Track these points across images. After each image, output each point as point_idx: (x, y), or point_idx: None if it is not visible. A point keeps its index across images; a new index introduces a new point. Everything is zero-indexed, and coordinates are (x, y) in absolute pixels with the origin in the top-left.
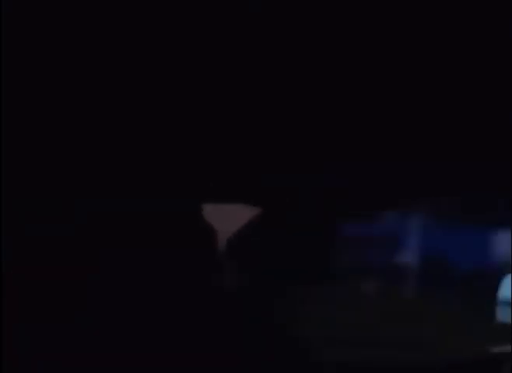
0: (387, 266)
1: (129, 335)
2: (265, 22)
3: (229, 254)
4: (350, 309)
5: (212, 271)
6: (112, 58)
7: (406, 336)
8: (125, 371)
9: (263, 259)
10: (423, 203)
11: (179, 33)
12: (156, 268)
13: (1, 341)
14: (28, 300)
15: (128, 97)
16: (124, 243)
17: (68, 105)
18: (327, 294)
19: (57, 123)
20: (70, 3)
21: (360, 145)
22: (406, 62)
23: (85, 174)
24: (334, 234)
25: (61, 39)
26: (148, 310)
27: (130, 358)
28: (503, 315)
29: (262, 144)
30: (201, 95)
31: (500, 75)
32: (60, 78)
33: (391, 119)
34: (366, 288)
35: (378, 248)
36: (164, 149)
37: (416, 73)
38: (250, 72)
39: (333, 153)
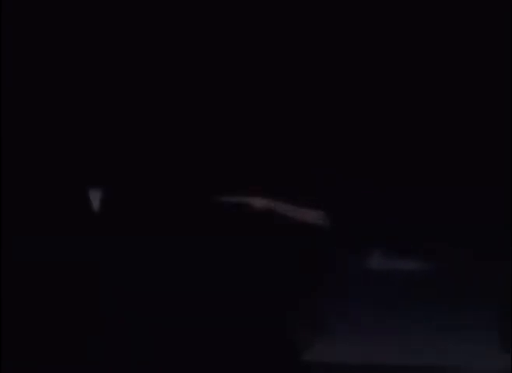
0: None
1: (130, 332)
2: (265, 23)
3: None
4: None
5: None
6: (110, 58)
7: None
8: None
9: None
10: None
11: (179, 33)
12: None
13: (0, 341)
14: (27, 299)
15: (129, 97)
16: (125, 243)
17: (68, 105)
18: None
19: (57, 124)
20: (70, 3)
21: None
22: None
23: (86, 173)
24: None
25: (62, 39)
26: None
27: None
28: None
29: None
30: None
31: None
32: (59, 80)
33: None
34: None
35: None
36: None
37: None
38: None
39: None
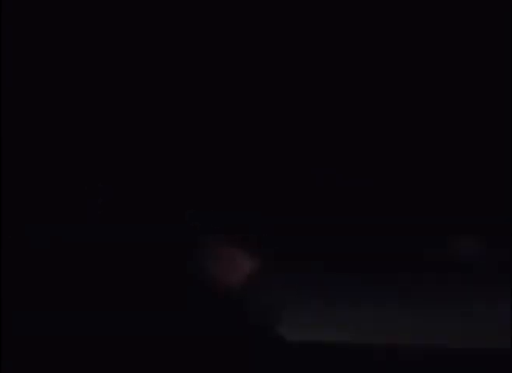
0: None
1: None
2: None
3: None
4: None
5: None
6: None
7: None
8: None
9: None
10: None
11: (179, 33)
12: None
13: (0, 341)
14: (27, 300)
15: (128, 96)
16: (126, 243)
17: (68, 108)
18: None
19: (57, 124)
20: (70, 3)
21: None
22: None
23: (86, 174)
24: None
25: (61, 39)
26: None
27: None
28: None
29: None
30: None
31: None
32: (60, 79)
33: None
34: None
35: None
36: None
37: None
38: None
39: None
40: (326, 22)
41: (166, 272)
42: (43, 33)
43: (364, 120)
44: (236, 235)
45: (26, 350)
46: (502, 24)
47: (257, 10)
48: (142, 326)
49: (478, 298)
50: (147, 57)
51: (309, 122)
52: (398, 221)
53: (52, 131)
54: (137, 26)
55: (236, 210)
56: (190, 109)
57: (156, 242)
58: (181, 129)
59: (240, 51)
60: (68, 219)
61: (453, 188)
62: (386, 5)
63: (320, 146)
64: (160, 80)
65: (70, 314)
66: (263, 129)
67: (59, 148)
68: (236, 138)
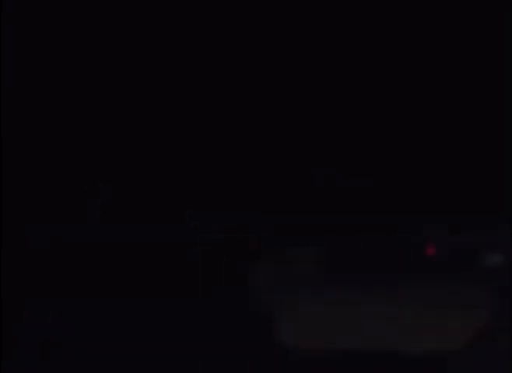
0: None
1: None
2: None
3: None
4: None
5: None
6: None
7: None
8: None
9: None
10: None
11: (180, 35)
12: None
13: (0, 340)
14: (26, 299)
15: (128, 96)
16: (124, 244)
17: (68, 109)
18: None
19: (57, 124)
20: (71, 4)
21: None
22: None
23: (86, 174)
24: None
25: (63, 40)
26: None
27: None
28: None
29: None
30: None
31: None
32: (61, 79)
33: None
34: None
35: None
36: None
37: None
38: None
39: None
40: (327, 23)
41: (165, 271)
42: (43, 34)
43: (363, 122)
44: (236, 235)
45: (26, 349)
46: (502, 24)
47: (258, 11)
48: (141, 326)
49: None
50: (147, 59)
51: (309, 123)
52: (397, 221)
53: (52, 132)
54: (137, 28)
55: (236, 210)
56: (190, 110)
57: (156, 242)
58: (181, 130)
59: (241, 53)
60: (68, 219)
61: (453, 188)
62: (386, 5)
63: (320, 147)
64: (160, 82)
65: (70, 314)
66: (263, 130)
67: (59, 149)
68: (237, 139)
